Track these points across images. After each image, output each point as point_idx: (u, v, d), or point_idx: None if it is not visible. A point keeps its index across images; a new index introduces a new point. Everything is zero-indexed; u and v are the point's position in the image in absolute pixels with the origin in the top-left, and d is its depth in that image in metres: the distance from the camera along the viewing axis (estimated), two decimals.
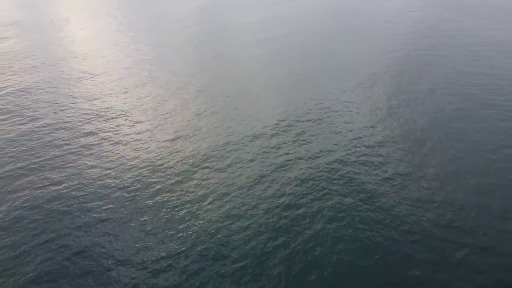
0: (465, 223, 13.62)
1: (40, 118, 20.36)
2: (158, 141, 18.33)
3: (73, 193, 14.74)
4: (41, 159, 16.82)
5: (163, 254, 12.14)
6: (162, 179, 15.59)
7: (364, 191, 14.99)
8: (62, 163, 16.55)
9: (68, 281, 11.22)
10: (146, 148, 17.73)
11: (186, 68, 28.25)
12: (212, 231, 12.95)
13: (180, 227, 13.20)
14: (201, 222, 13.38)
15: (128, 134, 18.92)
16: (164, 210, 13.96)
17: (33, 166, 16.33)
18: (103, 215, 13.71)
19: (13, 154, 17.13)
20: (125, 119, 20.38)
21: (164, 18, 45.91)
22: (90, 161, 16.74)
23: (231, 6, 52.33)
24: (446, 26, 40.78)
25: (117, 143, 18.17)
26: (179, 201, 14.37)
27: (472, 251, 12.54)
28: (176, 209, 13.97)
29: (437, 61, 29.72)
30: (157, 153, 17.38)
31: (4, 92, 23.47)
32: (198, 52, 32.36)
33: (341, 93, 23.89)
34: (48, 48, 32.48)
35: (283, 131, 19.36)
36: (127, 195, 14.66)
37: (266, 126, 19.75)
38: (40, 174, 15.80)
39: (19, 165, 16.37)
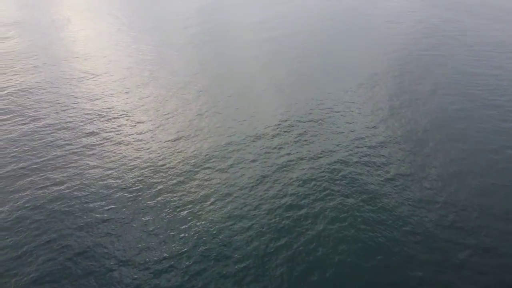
0: (467, 224, 13.59)
1: (42, 118, 20.36)
2: (160, 141, 18.31)
3: (75, 193, 14.74)
4: (43, 159, 16.81)
5: (165, 254, 12.13)
6: (164, 179, 15.58)
7: (366, 192, 14.96)
8: (64, 163, 16.54)
9: (70, 282, 11.21)
10: (148, 149, 17.72)
11: (187, 68, 28.24)
12: (214, 232, 12.94)
13: (182, 227, 13.18)
14: (203, 222, 13.36)
15: (129, 134, 18.91)
16: (166, 210, 13.94)
17: (35, 166, 16.33)
18: (105, 215, 13.70)
19: (15, 154, 17.13)
20: (127, 119, 20.37)
21: (165, 18, 45.91)
22: (92, 161, 16.74)
23: (232, 6, 52.33)
24: (447, 26, 40.74)
25: (119, 143, 18.16)
26: (181, 202, 14.35)
27: (475, 252, 12.52)
28: (178, 210, 13.96)
29: (438, 62, 29.69)
30: (159, 153, 17.37)
31: (6, 92, 23.47)
32: (199, 52, 32.35)
33: (342, 93, 23.87)
34: (50, 48, 32.49)
35: (285, 131, 19.34)
36: (129, 196, 14.65)
37: (268, 127, 19.74)
38: (42, 174, 15.79)
39: (21, 165, 16.36)
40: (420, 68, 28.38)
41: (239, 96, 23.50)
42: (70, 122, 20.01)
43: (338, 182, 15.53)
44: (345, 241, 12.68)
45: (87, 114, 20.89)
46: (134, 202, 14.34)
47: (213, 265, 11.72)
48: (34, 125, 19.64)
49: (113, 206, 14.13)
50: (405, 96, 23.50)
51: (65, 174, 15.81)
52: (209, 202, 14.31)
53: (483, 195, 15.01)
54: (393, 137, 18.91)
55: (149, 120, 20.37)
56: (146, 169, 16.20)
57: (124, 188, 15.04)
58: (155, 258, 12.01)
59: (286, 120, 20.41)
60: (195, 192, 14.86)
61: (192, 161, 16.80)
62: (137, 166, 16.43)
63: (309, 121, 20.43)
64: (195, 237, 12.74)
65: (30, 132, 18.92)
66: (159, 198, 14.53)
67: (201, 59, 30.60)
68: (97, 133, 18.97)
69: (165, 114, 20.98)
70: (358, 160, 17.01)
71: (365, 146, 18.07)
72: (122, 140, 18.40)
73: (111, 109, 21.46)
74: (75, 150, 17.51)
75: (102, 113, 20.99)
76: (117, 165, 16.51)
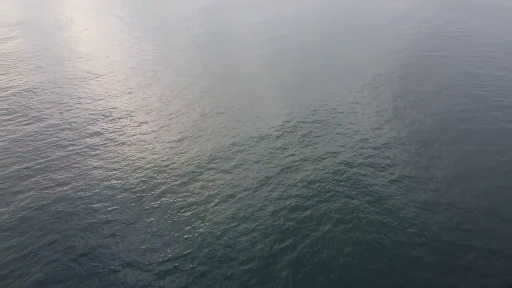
0: (473, 226, 13.49)
1: (45, 118, 20.35)
2: (164, 142, 18.27)
3: (79, 194, 14.71)
4: (46, 159, 16.79)
5: (169, 256, 12.08)
6: (168, 180, 15.53)
7: (371, 193, 14.88)
8: (67, 164, 16.52)
9: (74, 283, 11.17)
10: (152, 149, 17.68)
11: (190, 69, 28.21)
12: (219, 233, 12.88)
13: (186, 228, 13.13)
14: (207, 223, 13.31)
15: (133, 135, 18.88)
16: (170, 211, 13.90)
17: (39, 166, 16.31)
18: (109, 216, 13.66)
19: (18, 154, 17.12)
20: (130, 120, 20.35)
21: (168, 18, 45.91)
22: (95, 161, 16.71)
23: (234, 6, 52.30)
24: (452, 26, 40.61)
25: (123, 143, 18.13)
26: (185, 203, 14.30)
27: (480, 254, 12.42)
28: (182, 211, 13.91)
29: (443, 62, 29.57)
30: (162, 154, 17.32)
31: (9, 92, 23.49)
32: (202, 53, 32.33)
33: (346, 94, 23.79)
34: (53, 48, 32.53)
35: (289, 132, 19.28)
36: (132, 196, 14.61)
37: (272, 127, 19.68)
38: (45, 175, 15.77)
39: (24, 165, 16.35)
40: (424, 69, 28.28)
41: (243, 96, 23.45)
42: (74, 122, 20.00)
43: (342, 183, 15.45)
44: (350, 243, 12.61)
45: (91, 114, 20.87)
46: (138, 203, 14.30)
47: (217, 267, 11.66)
48: (38, 125, 19.63)
49: (117, 207, 14.10)
50: (409, 97, 23.40)
51: (68, 175, 15.79)
52: (213, 203, 14.26)
53: (488, 197, 14.90)
54: (398, 138, 18.82)
55: (152, 120, 20.34)
56: (150, 170, 16.16)
57: (127, 189, 15.00)
58: (159, 259, 11.96)
59: (289, 121, 20.35)
60: (199, 193, 14.81)
61: (196, 162, 16.75)
62: (141, 166, 16.39)
63: (313, 122, 20.36)
64: (199, 239, 12.68)
65: (33, 133, 18.91)
66: (163, 199, 14.49)
67: (204, 59, 30.58)
68: (100, 134, 18.95)
69: (168, 115, 20.95)
70: (363, 161, 16.93)
71: (370, 147, 17.98)
72: (126, 141, 18.37)
73: (115, 110, 21.44)
74: (79, 151, 17.49)
75: (106, 114, 20.97)
76: (121, 165, 16.48)
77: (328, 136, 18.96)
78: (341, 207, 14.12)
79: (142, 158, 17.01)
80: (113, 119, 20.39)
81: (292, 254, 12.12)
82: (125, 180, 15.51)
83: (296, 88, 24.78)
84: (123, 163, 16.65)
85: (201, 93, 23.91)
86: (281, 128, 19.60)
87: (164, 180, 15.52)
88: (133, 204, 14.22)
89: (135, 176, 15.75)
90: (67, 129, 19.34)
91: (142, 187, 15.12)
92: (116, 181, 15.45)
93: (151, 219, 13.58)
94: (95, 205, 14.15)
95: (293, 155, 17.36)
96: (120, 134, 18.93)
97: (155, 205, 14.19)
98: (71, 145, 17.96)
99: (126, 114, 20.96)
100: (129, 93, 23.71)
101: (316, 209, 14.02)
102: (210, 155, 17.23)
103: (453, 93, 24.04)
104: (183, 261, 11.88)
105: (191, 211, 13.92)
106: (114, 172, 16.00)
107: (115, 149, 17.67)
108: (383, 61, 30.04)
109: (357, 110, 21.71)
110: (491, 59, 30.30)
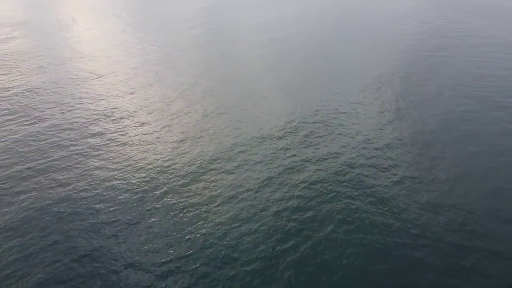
0: (476, 227, 13.44)
1: (47, 118, 20.35)
2: (165, 142, 18.25)
3: (81, 194, 14.69)
4: (48, 160, 16.78)
5: (171, 256, 12.05)
6: (170, 180, 15.51)
7: (373, 194, 14.84)
8: (69, 164, 16.51)
9: (76, 284, 11.14)
10: (153, 150, 17.66)
11: (192, 69, 28.20)
12: (221, 234, 12.85)
13: (189, 229, 13.11)
14: (209, 224, 13.28)
15: (135, 135, 18.86)
16: (172, 212, 13.87)
17: (41, 167, 16.30)
18: (111, 216, 13.64)
19: (20, 154, 17.11)
20: (132, 120, 20.33)
21: (170, 18, 45.92)
22: (97, 162, 16.69)
23: (236, 6, 52.30)
24: (453, 27, 40.55)
25: (124, 144, 18.12)
26: (187, 203, 14.28)
27: (483, 256, 12.37)
28: (184, 211, 13.88)
29: (444, 63, 29.52)
30: (164, 154, 17.30)
31: (11, 92, 23.50)
32: (204, 53, 32.32)
33: (348, 94, 23.75)
34: (55, 48, 32.55)
35: (291, 132, 19.24)
36: (134, 197, 14.59)
37: (273, 128, 19.65)
38: (47, 175, 15.76)
39: (26, 165, 16.34)
40: (426, 69, 28.23)
41: (245, 97, 23.42)
42: (75, 122, 19.99)
43: (345, 184, 15.41)
44: (353, 244, 12.57)
45: (92, 114, 20.87)
46: (140, 203, 14.28)
47: (220, 268, 11.63)
48: (40, 125, 19.63)
49: (118, 208, 14.08)
50: (411, 98, 23.35)
51: (70, 175, 15.78)
52: (215, 204, 14.23)
53: (491, 198, 14.85)
54: (400, 139, 18.77)
55: (154, 120, 20.32)
56: (152, 170, 16.14)
57: (129, 190, 14.98)
58: (162, 260, 11.94)
59: (291, 121, 20.31)
60: (201, 194, 14.79)
61: (198, 162, 16.73)
62: (143, 167, 16.38)
63: (315, 122, 20.32)
64: (202, 239, 12.66)
65: (35, 133, 18.91)
66: (165, 200, 14.47)
67: (206, 59, 30.57)
68: (102, 134, 18.94)
69: (170, 115, 20.93)
70: (365, 162, 16.88)
71: (372, 148, 17.94)
72: (128, 141, 18.36)
73: (116, 110, 21.43)
74: (81, 151, 17.48)
75: (107, 114, 20.95)
76: (123, 166, 16.46)
77: (330, 137, 18.92)
78: (343, 208, 14.08)
79: (144, 158, 16.99)
80: (115, 119, 20.38)
81: (295, 255, 12.08)
82: (127, 181, 15.49)
83: (298, 89, 24.75)
84: (125, 163, 16.63)
85: (203, 93, 23.89)
86: (283, 129, 19.57)
87: (166, 181, 15.50)
88: (135, 205, 14.20)
89: (137, 177, 15.73)
90: (69, 129, 19.34)
91: (144, 188, 15.10)
92: (118, 182, 15.43)
93: (153, 219, 13.56)
94: (97, 206, 14.13)
95: (295, 155, 17.33)
96: (122, 135, 18.92)
97: (157, 206, 14.17)
98: (73, 145, 17.95)
99: (128, 115, 20.95)
100: (131, 93, 23.70)
101: (319, 210, 13.99)
102: (212, 156, 17.20)
103: (455, 94, 23.98)
104: (185, 262, 11.86)
105: (193, 211, 13.89)
106: (116, 173, 15.98)
107: (117, 150, 17.66)
108: (385, 61, 29.99)
109: (359, 110, 21.67)
110: (493, 60, 30.23)
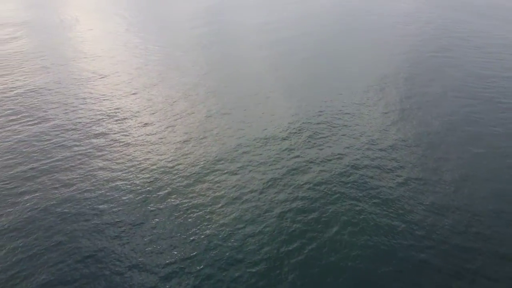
0: (481, 229, 13.36)
1: (51, 118, 20.33)
2: (169, 143, 18.22)
3: (85, 195, 14.66)
4: (52, 160, 16.76)
5: (175, 257, 12.00)
6: (173, 181, 15.47)
7: (378, 196, 14.77)
8: (73, 165, 16.48)
9: (80, 284, 11.11)
10: (157, 150, 17.62)
11: (195, 69, 28.17)
12: (225, 235, 12.80)
13: (193, 230, 13.06)
14: (213, 225, 13.23)
15: (138, 136, 18.83)
16: (176, 213, 13.83)
17: (44, 167, 16.28)
18: (115, 217, 13.60)
19: (24, 155, 17.10)
20: (136, 121, 20.30)
21: (173, 18, 45.92)
22: (101, 162, 16.66)
23: (238, 6, 52.26)
24: (457, 27, 40.43)
25: (128, 144, 18.08)
26: (191, 204, 14.23)
27: (489, 258, 12.29)
28: (188, 212, 13.84)
29: (448, 63, 29.43)
30: (168, 155, 17.26)
31: (14, 92, 23.49)
32: (207, 53, 32.28)
33: (352, 95, 23.68)
34: (58, 49, 32.55)
35: (294, 133, 19.19)
36: (138, 198, 14.55)
37: (277, 128, 19.59)
38: (51, 176, 15.73)
39: (30, 166, 16.32)
40: (430, 70, 28.13)
41: (248, 97, 23.38)
42: (79, 123, 19.97)
43: (349, 185, 15.34)
44: (358, 245, 12.50)
45: (96, 115, 20.84)
46: (143, 204, 14.24)
47: (224, 269, 11.58)
48: (43, 126, 19.61)
49: (122, 208, 14.04)
50: (415, 98, 23.27)
51: (74, 176, 15.75)
52: (219, 205, 14.18)
53: (497, 200, 14.77)
54: (404, 140, 18.69)
55: (157, 121, 20.29)
56: (155, 171, 16.10)
57: (133, 190, 14.95)
58: (166, 261, 11.89)
59: (295, 122, 20.25)
60: (205, 195, 14.74)
61: (202, 163, 16.68)
62: (146, 168, 16.34)
63: (319, 123, 20.26)
64: (206, 240, 12.61)
65: (38, 133, 18.89)
66: (168, 201, 14.42)
67: (209, 60, 30.53)
68: (105, 134, 18.91)
69: (173, 115, 20.89)
70: (369, 163, 16.81)
71: (376, 149, 17.87)
72: (131, 142, 18.32)
73: (120, 110, 21.40)
74: (84, 151, 17.45)
75: (111, 114, 20.93)
76: (126, 166, 16.42)
77: (334, 138, 18.86)
78: (348, 210, 14.02)
79: (148, 159, 16.95)
80: (118, 120, 20.35)
81: (299, 257, 12.02)
82: (131, 181, 15.46)
83: (301, 89, 24.68)
84: (128, 164, 16.60)
85: (206, 93, 23.85)
86: (287, 129, 19.51)
87: (169, 182, 15.45)
88: (139, 206, 14.16)
89: (140, 177, 15.70)
90: (72, 129, 19.31)
91: (148, 188, 15.06)
92: (122, 182, 15.40)
93: (157, 220, 13.52)
94: (101, 206, 14.10)
95: (299, 156, 17.27)
96: (126, 135, 18.89)
97: (161, 207, 14.13)
98: (77, 145, 17.92)
99: (131, 115, 20.92)
100: (134, 93, 23.67)
101: (323, 211, 13.93)
102: (216, 156, 17.16)
103: (460, 95, 23.89)
104: (189, 263, 11.81)
105: (197, 212, 13.84)
106: (119, 173, 15.95)
107: (121, 150, 17.62)
108: (388, 61, 29.91)
109: (363, 111, 21.59)
110: (497, 60, 30.12)
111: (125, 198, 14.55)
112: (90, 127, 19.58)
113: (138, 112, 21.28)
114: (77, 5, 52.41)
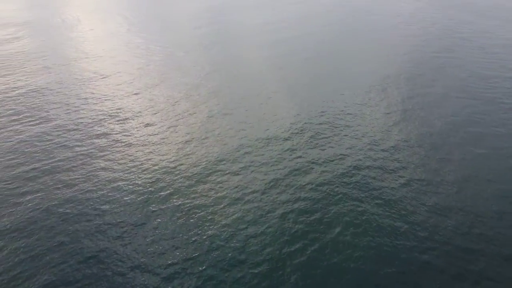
0: (484, 230, 13.30)
1: (52, 119, 20.33)
2: (171, 143, 18.19)
3: (87, 195, 14.64)
4: (53, 160, 16.75)
5: (177, 258, 11.97)
6: (175, 182, 15.44)
7: (380, 196, 14.72)
8: (74, 165, 16.47)
9: (82, 285, 11.08)
10: (159, 151, 17.60)
11: (197, 69, 28.15)
12: (227, 236, 12.77)
13: (195, 231, 13.03)
14: (215, 226, 13.20)
15: (140, 136, 18.81)
16: (178, 213, 13.80)
17: (46, 167, 16.27)
18: (117, 218, 13.58)
19: (26, 155, 17.10)
20: (137, 121, 20.29)
21: (175, 18, 45.91)
22: (102, 163, 16.65)
23: (241, 6, 52.25)
24: (459, 27, 40.34)
25: (130, 145, 18.07)
26: (192, 205, 14.20)
27: (492, 259, 12.22)
28: (190, 213, 13.81)
29: (451, 64, 29.35)
30: (169, 155, 17.24)
31: (16, 92, 23.51)
32: (209, 53, 32.26)
33: (354, 95, 23.62)
34: (60, 49, 32.58)
35: (296, 133, 19.14)
36: (140, 198, 14.53)
37: (279, 129, 19.56)
38: (53, 176, 15.72)
39: (32, 166, 16.32)
40: (432, 70, 28.06)
41: (250, 97, 23.34)
42: (81, 123, 19.96)
43: (351, 186, 15.30)
44: (360, 246, 12.45)
45: (98, 115, 20.84)
46: (145, 204, 14.22)
47: (226, 270, 11.54)
48: (45, 126, 19.61)
49: (124, 209, 14.02)
50: (417, 99, 23.21)
51: (76, 176, 15.74)
52: (222, 206, 14.14)
53: (500, 201, 14.70)
54: (407, 140, 18.64)
55: (159, 121, 20.27)
56: (157, 172, 16.08)
57: (135, 191, 14.92)
58: (168, 262, 11.86)
59: (297, 122, 20.21)
60: (206, 195, 14.71)
61: (203, 163, 16.65)
62: (148, 168, 16.32)
63: (321, 123, 20.21)
64: (208, 241, 12.58)
65: (40, 133, 18.89)
66: (170, 201, 14.40)
67: (211, 60, 30.51)
68: (107, 134, 18.90)
69: (175, 116, 20.87)
70: (372, 163, 16.76)
71: (378, 150, 17.81)
72: (133, 142, 18.31)
73: (121, 110, 21.39)
74: (86, 152, 17.44)
75: (113, 114, 20.92)
76: (128, 167, 16.41)
77: (336, 138, 18.81)
78: (350, 210, 13.97)
79: (150, 159, 16.93)
80: (120, 120, 20.34)
81: (302, 258, 11.98)
82: (133, 182, 15.43)
83: (303, 89, 24.64)
84: (130, 164, 16.58)
85: (208, 94, 23.83)
86: (289, 130, 19.47)
87: (171, 182, 15.43)
88: (140, 206, 14.14)
89: (142, 178, 15.67)
90: (74, 130, 19.31)
91: (150, 189, 15.04)
92: (124, 183, 15.38)
93: (159, 221, 13.49)
94: (102, 207, 14.08)
95: (301, 157, 17.23)
96: (127, 135, 18.87)
97: (163, 207, 14.11)
98: (78, 146, 17.91)
99: (133, 115, 20.91)
100: (136, 93, 23.66)
101: (325, 212, 13.88)
102: (218, 157, 17.13)
103: (462, 95, 23.81)
104: (191, 264, 11.78)
105: (199, 213, 13.82)
106: (121, 174, 15.93)
107: (122, 150, 17.61)
108: (390, 62, 29.85)
109: (365, 111, 21.54)
110: (499, 61, 30.03)
111: (127, 198, 14.53)
112: (92, 127, 19.58)
113: (140, 112, 21.27)
114: (78, 5, 52.44)
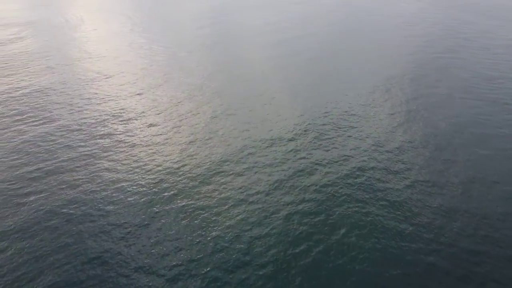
0: (490, 232, 13.21)
1: (56, 119, 20.32)
2: (174, 144, 18.16)
3: (90, 196, 14.62)
4: (57, 160, 16.74)
5: (181, 260, 11.93)
6: (179, 182, 15.40)
7: (385, 198, 14.65)
8: (78, 165, 16.45)
9: (86, 286, 11.04)
10: (162, 151, 17.57)
11: (200, 70, 28.12)
12: (231, 237, 12.72)
13: (198, 232, 12.98)
14: (219, 227, 13.15)
15: (143, 137, 18.79)
16: (182, 214, 13.76)
17: (50, 168, 16.25)
18: (120, 218, 13.54)
19: (29, 155, 17.09)
20: (141, 121, 20.26)
21: (177, 18, 45.90)
22: (106, 163, 16.62)
23: (244, 6, 52.21)
24: (463, 28, 40.22)
25: (133, 145, 18.04)
26: (196, 206, 14.16)
27: (498, 261, 12.14)
28: (194, 214, 13.77)
29: (455, 64, 29.25)
30: (173, 156, 17.21)
31: (19, 92, 23.52)
32: (212, 53, 32.24)
33: (358, 96, 23.56)
34: (63, 49, 32.60)
35: (300, 134, 19.09)
36: (144, 199, 14.49)
37: (283, 129, 19.50)
38: (56, 176, 15.70)
39: (35, 166, 16.30)
40: (436, 71, 27.97)
41: (253, 97, 23.30)
42: (84, 123, 19.95)
43: (356, 187, 15.23)
44: (365, 248, 12.39)
45: (101, 115, 20.82)
46: (149, 205, 14.18)
47: (231, 272, 11.49)
48: (48, 126, 19.60)
49: (128, 210, 13.99)
50: (421, 100, 23.13)
51: (80, 176, 15.71)
52: (226, 207, 14.10)
53: (505, 202, 14.61)
54: (411, 141, 18.56)
55: (163, 122, 20.24)
56: (161, 172, 16.04)
57: (139, 192, 14.89)
58: (172, 264, 11.82)
59: (301, 123, 20.16)
60: (210, 196, 14.67)
61: (207, 164, 16.61)
62: (152, 169, 16.28)
63: (325, 124, 20.15)
64: (212, 243, 12.53)
65: (44, 134, 18.88)
66: (174, 202, 14.36)
67: (214, 60, 30.48)
68: (111, 135, 18.88)
69: (179, 116, 20.84)
70: (376, 165, 16.69)
71: (383, 151, 17.74)
72: (136, 142, 18.28)
73: (125, 111, 21.38)
74: (89, 152, 17.42)
75: (116, 115, 20.90)
76: (132, 167, 16.38)
77: (340, 139, 18.75)
78: (355, 212, 13.91)
79: (153, 160, 16.90)
80: (123, 120, 20.32)
81: (307, 260, 11.92)
82: (136, 182, 15.40)
83: (307, 89, 24.58)
84: (134, 165, 16.55)
85: (211, 94, 23.79)
86: (293, 130, 19.42)
87: (175, 183, 15.39)
88: (144, 207, 14.10)
89: (146, 178, 15.64)
90: (77, 130, 19.29)
91: (153, 190, 15.01)
92: (127, 183, 15.35)
93: (163, 222, 13.45)
94: (106, 207, 14.05)
95: (305, 158, 17.17)
96: (131, 136, 18.85)
97: (167, 208, 14.07)
98: (82, 146, 17.90)
99: (136, 115, 20.89)
100: (139, 94, 23.65)
101: (330, 213, 13.83)
102: (221, 158, 17.08)
103: (466, 96, 23.72)
104: (195, 265, 11.73)
105: (203, 214, 13.77)
106: (125, 174, 15.90)
107: (126, 151, 17.58)
108: (394, 62, 29.76)
109: (369, 112, 21.47)
110: (503, 61, 29.91)
111: (130, 199, 14.50)
112: (95, 127, 19.56)
113: (143, 112, 21.25)
114: (82, 5, 52.50)
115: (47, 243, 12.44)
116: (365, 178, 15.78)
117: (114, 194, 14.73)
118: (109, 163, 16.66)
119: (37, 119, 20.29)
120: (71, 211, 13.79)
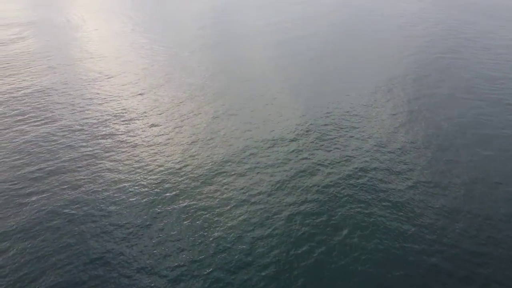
0: (493, 233, 13.18)
1: (57, 119, 20.32)
2: (176, 144, 18.14)
3: (92, 196, 14.60)
4: (59, 161, 16.73)
5: (183, 260, 11.91)
6: (181, 183, 15.39)
7: (387, 199, 14.62)
8: (79, 166, 16.44)
9: (88, 287, 11.03)
10: (164, 151, 17.55)
11: (202, 70, 28.11)
12: (234, 238, 12.70)
13: (200, 233, 12.97)
14: (221, 228, 13.13)
15: (145, 137, 18.77)
16: (184, 215, 13.74)
17: (51, 168, 16.24)
18: (122, 219, 13.53)
19: (31, 155, 17.07)
20: (142, 121, 20.25)
21: (179, 18, 45.89)
22: (108, 163, 16.61)
23: (245, 7, 52.20)
24: (464, 28, 40.17)
25: (135, 145, 18.03)
26: (198, 206, 14.14)
27: (501, 263, 12.11)
28: (195, 214, 13.75)
29: (456, 64, 29.20)
30: (175, 156, 17.19)
31: (21, 92, 23.51)
32: (213, 54, 32.22)
33: (359, 96, 23.52)
34: (64, 49, 32.60)
35: (302, 134, 19.06)
36: (145, 199, 14.48)
37: (285, 130, 19.48)
38: (58, 177, 15.69)
39: (37, 166, 16.29)
40: (438, 71, 27.92)
41: (255, 98, 23.28)
42: (86, 123, 19.94)
43: (358, 188, 15.20)
44: (368, 249, 12.36)
45: (103, 115, 20.81)
46: (151, 206, 14.16)
47: (233, 272, 11.47)
48: (50, 126, 19.60)
49: (130, 210, 13.97)
50: (423, 100, 23.09)
51: (81, 177, 15.70)
52: (228, 207, 14.08)
53: (508, 203, 14.57)
54: (413, 142, 18.53)
55: (164, 122, 20.22)
56: (163, 173, 16.02)
57: (140, 192, 14.88)
58: (174, 264, 11.80)
59: (303, 123, 20.13)
60: (212, 197, 14.65)
61: (209, 164, 16.59)
62: (154, 169, 16.27)
63: (326, 124, 20.13)
64: (214, 243, 12.51)
65: (45, 134, 18.87)
66: (176, 202, 14.34)
67: (216, 60, 30.46)
68: (112, 135, 18.87)
69: (180, 116, 20.82)
70: (378, 165, 16.66)
71: (385, 151, 17.71)
72: (138, 143, 18.27)
73: (126, 111, 21.36)
74: (91, 152, 17.41)
75: (117, 115, 20.89)
76: (133, 168, 16.36)
77: (342, 139, 18.72)
78: (357, 213, 13.88)
79: (155, 160, 16.88)
80: (125, 120, 20.30)
81: (309, 260, 11.90)
82: (138, 183, 15.39)
83: (309, 90, 24.56)
84: (135, 165, 16.54)
85: (212, 94, 23.77)
86: (295, 131, 19.39)
87: (177, 183, 15.37)
88: (146, 207, 14.08)
89: (148, 179, 15.63)
90: (79, 130, 19.28)
91: (155, 190, 14.99)
92: (129, 184, 15.33)
93: (165, 222, 13.44)
94: (108, 208, 14.03)
95: (307, 158, 17.15)
96: (132, 136, 18.84)
97: (169, 209, 14.05)
98: (83, 146, 17.88)
99: (138, 116, 20.87)
100: (141, 94, 23.64)
101: (332, 214, 13.80)
102: (223, 158, 17.06)
103: (468, 96, 23.68)
104: (198, 266, 11.71)
105: (205, 215, 13.75)
106: (127, 175, 15.89)
107: (128, 151, 17.57)
108: (395, 63, 29.73)
109: (371, 112, 21.44)
110: (505, 62, 29.87)
111: (132, 199, 14.48)
112: (97, 127, 19.55)
113: (145, 113, 21.23)
114: (83, 5, 52.52)
115: (49, 244, 12.43)
116: (367, 179, 15.75)
117: (116, 195, 14.72)
118: (111, 163, 16.65)
119: (38, 119, 20.28)
120: (73, 212, 13.78)
